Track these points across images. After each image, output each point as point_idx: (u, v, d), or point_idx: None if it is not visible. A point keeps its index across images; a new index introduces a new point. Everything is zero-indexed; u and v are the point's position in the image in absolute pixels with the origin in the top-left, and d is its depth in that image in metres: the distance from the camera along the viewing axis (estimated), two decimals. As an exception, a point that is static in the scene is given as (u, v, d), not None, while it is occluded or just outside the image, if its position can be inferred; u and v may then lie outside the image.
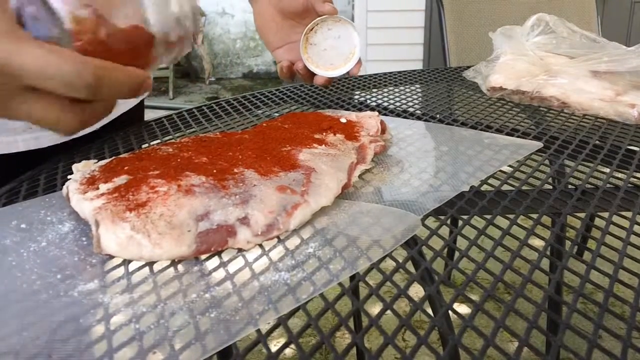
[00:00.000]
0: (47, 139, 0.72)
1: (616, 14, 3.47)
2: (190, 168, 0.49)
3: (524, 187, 0.54)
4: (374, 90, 1.04)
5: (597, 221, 0.48)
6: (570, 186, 0.54)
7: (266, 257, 0.42)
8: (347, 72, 0.85)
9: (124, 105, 0.84)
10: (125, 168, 0.50)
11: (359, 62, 0.85)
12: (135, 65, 0.45)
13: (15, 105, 0.40)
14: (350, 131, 0.62)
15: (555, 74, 0.89)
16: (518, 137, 0.69)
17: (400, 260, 0.41)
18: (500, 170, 0.57)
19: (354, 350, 0.35)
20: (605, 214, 0.48)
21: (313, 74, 0.85)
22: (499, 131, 0.72)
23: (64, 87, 0.39)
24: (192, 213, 0.42)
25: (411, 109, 0.87)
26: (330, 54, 0.84)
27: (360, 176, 0.55)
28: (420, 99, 0.96)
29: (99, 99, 0.42)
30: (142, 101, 0.91)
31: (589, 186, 0.54)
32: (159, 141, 0.76)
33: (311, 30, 0.82)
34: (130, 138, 0.76)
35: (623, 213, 0.49)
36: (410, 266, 0.42)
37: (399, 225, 0.45)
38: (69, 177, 0.51)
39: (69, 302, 0.36)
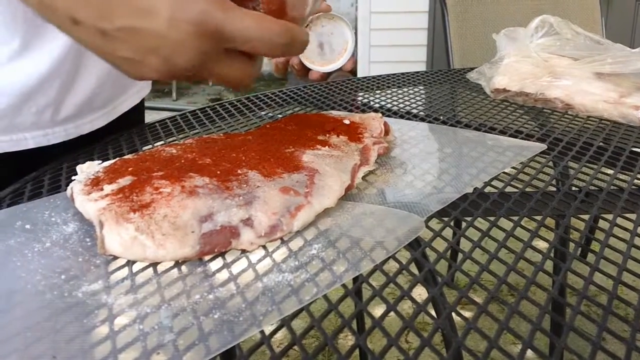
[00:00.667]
0: (55, 135, 0.73)
1: (620, 15, 3.46)
2: (194, 169, 0.49)
3: (527, 189, 0.54)
4: (378, 91, 1.04)
5: (601, 223, 0.48)
6: (574, 188, 0.54)
7: (270, 258, 0.42)
8: (341, 67, 0.86)
9: (125, 104, 0.84)
10: (130, 169, 0.50)
11: (353, 57, 0.86)
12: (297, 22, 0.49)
13: (213, 66, 0.44)
14: (353, 133, 0.62)
15: (559, 75, 0.89)
16: (522, 138, 0.69)
17: (404, 262, 0.41)
18: (504, 172, 0.57)
19: (357, 352, 0.35)
20: (609, 216, 0.48)
21: (307, 70, 0.87)
22: (502, 133, 0.72)
23: (266, 47, 0.44)
24: (195, 214, 0.42)
25: (415, 111, 0.87)
26: (324, 50, 0.86)
27: (363, 178, 0.55)
28: (423, 100, 0.96)
29: (287, 56, 0.49)
30: (142, 101, 0.92)
31: (593, 188, 0.54)
32: (162, 142, 0.76)
33: (306, 27, 0.82)
34: (134, 139, 0.76)
35: (627, 215, 0.49)
36: (413, 268, 0.42)
37: (403, 227, 0.45)
38: (73, 178, 0.52)
39: (73, 302, 0.37)
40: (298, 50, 0.47)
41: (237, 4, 0.44)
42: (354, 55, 0.86)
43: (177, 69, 0.43)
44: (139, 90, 0.88)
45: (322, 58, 0.86)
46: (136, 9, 0.41)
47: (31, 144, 0.70)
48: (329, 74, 0.88)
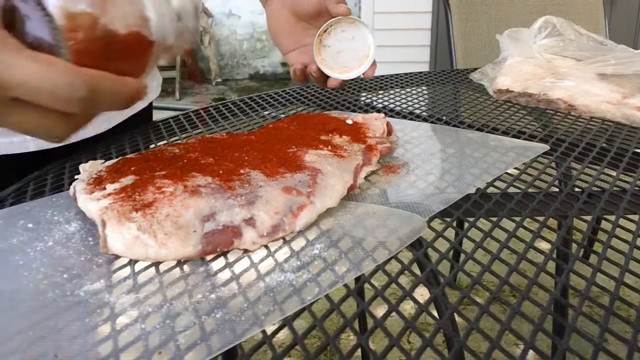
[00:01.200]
0: None
1: (624, 16, 3.46)
2: (196, 169, 0.49)
3: (530, 190, 0.54)
4: (380, 92, 1.04)
5: (604, 224, 0.48)
6: (576, 189, 0.54)
7: (272, 258, 0.42)
8: (362, 75, 0.83)
9: (131, 109, 0.84)
10: (132, 168, 0.50)
11: (374, 64, 0.82)
12: (132, 71, 0.42)
13: (3, 115, 0.38)
14: (356, 133, 0.62)
15: (562, 76, 0.89)
16: (524, 139, 0.69)
17: (406, 262, 0.41)
18: (507, 173, 0.57)
19: (359, 352, 0.35)
20: (612, 217, 0.48)
21: (326, 77, 0.83)
22: (505, 133, 0.72)
23: (57, 102, 0.37)
24: (198, 214, 0.42)
25: (417, 111, 0.87)
26: (344, 56, 0.82)
27: (366, 178, 0.55)
28: (426, 100, 0.96)
29: (92, 111, 0.40)
30: (151, 102, 0.92)
31: (596, 189, 0.54)
32: (165, 142, 0.76)
33: (325, 32, 0.80)
34: (137, 139, 0.76)
35: (629, 216, 0.49)
36: (415, 268, 0.42)
37: (405, 227, 0.45)
38: (76, 177, 0.52)
39: (75, 301, 0.37)
40: (111, 105, 0.40)
41: (38, 48, 0.38)
42: (375, 62, 0.82)
43: None
44: (148, 94, 0.88)
45: (341, 65, 0.83)
46: None
47: (32, 147, 0.70)
48: (349, 80, 0.84)
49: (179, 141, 0.60)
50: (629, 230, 0.46)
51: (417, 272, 0.41)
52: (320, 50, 0.81)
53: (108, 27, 0.39)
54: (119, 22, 0.40)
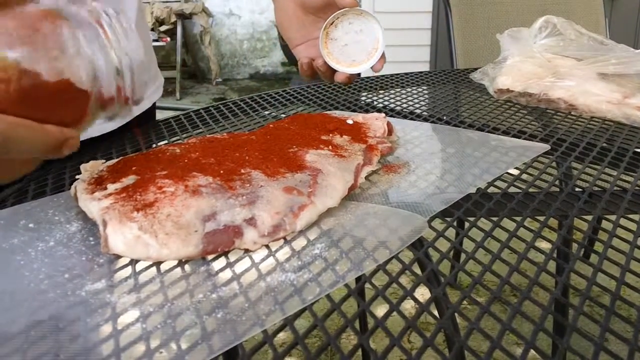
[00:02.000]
0: None
1: (624, 16, 3.46)
2: (197, 169, 0.49)
3: (530, 190, 0.54)
4: (381, 91, 1.04)
5: (604, 224, 0.48)
6: (577, 189, 0.54)
7: (273, 257, 0.42)
8: (370, 68, 0.80)
9: (136, 108, 0.84)
10: (133, 168, 0.50)
11: (383, 57, 0.80)
12: (66, 120, 0.41)
13: None
14: (357, 133, 0.62)
15: (563, 76, 0.89)
16: (525, 139, 0.69)
17: (407, 262, 0.42)
18: (507, 173, 0.57)
19: (359, 352, 0.35)
20: (613, 217, 0.48)
21: (334, 71, 0.81)
22: (505, 133, 0.72)
23: None
24: (199, 213, 0.43)
25: (418, 111, 0.87)
26: (352, 49, 0.80)
27: (366, 178, 0.55)
28: (427, 100, 0.96)
29: (7, 157, 0.39)
30: (154, 103, 0.91)
31: (596, 189, 0.54)
32: (166, 142, 0.76)
33: (331, 24, 0.78)
34: (138, 138, 0.76)
35: (630, 216, 0.49)
36: (416, 268, 0.42)
37: (406, 227, 0.45)
38: (76, 177, 0.52)
39: (77, 301, 0.37)
40: (29, 152, 0.39)
41: None
42: (384, 55, 0.80)
43: None
44: (151, 96, 0.88)
45: (349, 58, 0.80)
46: None
47: None
48: (357, 75, 0.82)
49: (179, 141, 0.60)
50: (629, 230, 0.46)
51: (418, 271, 0.41)
52: (328, 43, 0.79)
53: (32, 73, 0.38)
54: (47, 70, 0.38)
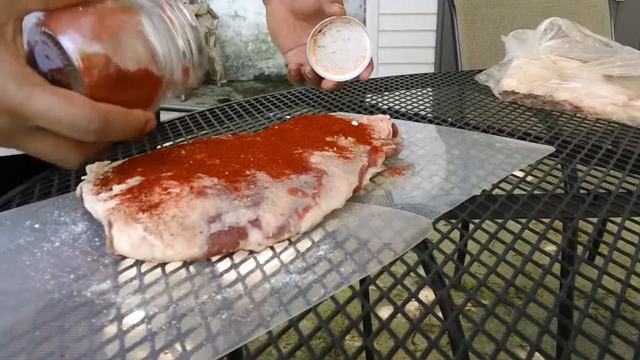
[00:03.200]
0: None
1: (630, 18, 3.45)
2: (202, 170, 0.49)
3: (535, 192, 0.53)
4: (386, 93, 1.04)
5: (609, 226, 0.48)
6: (582, 191, 0.54)
7: (277, 259, 0.42)
8: (357, 76, 0.80)
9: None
10: (138, 169, 0.50)
11: (370, 65, 0.80)
12: (141, 104, 0.46)
13: (24, 142, 0.42)
14: (361, 134, 0.62)
15: (568, 78, 0.89)
16: (530, 141, 0.69)
17: (411, 264, 0.42)
18: (512, 175, 0.57)
19: (364, 353, 0.35)
20: (618, 219, 0.48)
21: (321, 78, 0.81)
22: (510, 135, 0.72)
23: (74, 132, 0.41)
24: (204, 215, 0.43)
25: (423, 112, 0.87)
26: (339, 57, 0.80)
27: (371, 179, 0.55)
28: (431, 102, 0.96)
29: (104, 140, 0.44)
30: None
31: (601, 191, 0.54)
32: (171, 143, 0.76)
33: (319, 32, 0.78)
34: (143, 140, 0.76)
35: (635, 218, 0.48)
36: (421, 270, 0.42)
37: (410, 229, 0.45)
38: (82, 178, 0.52)
39: (82, 302, 0.37)
40: (121, 135, 0.44)
41: (57, 83, 0.42)
42: (372, 63, 0.80)
43: None
44: None
45: (337, 66, 0.80)
46: None
47: None
48: (344, 82, 0.82)
49: (184, 142, 0.61)
50: (635, 233, 0.46)
51: (423, 273, 0.41)
52: (316, 50, 0.79)
53: (119, 65, 0.43)
54: (129, 61, 0.44)
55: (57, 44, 0.42)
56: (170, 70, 0.47)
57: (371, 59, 0.79)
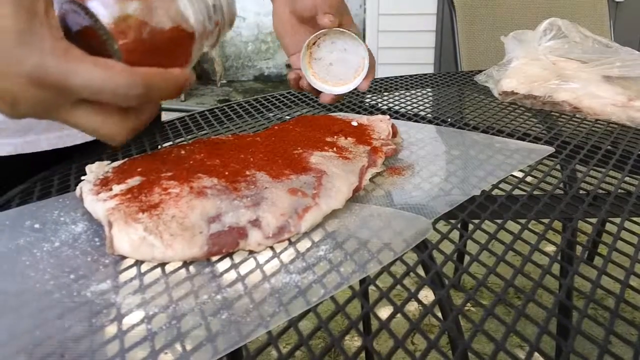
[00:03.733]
0: (70, 138, 0.73)
1: (629, 18, 3.45)
2: (202, 170, 0.49)
3: (535, 192, 0.53)
4: (385, 93, 1.04)
5: (609, 226, 0.48)
6: (581, 191, 0.54)
7: (277, 259, 0.42)
8: (356, 87, 0.78)
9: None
10: (138, 169, 0.50)
11: (370, 74, 0.78)
12: (178, 62, 0.47)
13: (69, 115, 0.43)
14: (361, 134, 0.62)
15: (568, 78, 0.89)
16: (529, 141, 0.69)
17: (411, 264, 0.42)
18: (512, 175, 0.57)
19: (363, 353, 0.35)
20: (617, 220, 0.48)
21: (320, 91, 0.79)
22: (510, 135, 0.72)
23: (118, 99, 0.42)
24: (204, 215, 0.43)
25: (422, 113, 0.87)
26: (337, 69, 0.78)
27: (371, 179, 0.55)
28: (431, 102, 0.96)
29: (147, 103, 0.45)
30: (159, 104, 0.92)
31: (601, 191, 0.54)
32: (171, 143, 0.76)
33: (314, 44, 0.77)
34: (143, 140, 0.76)
35: (634, 219, 0.49)
36: (420, 270, 0.42)
37: (410, 229, 0.45)
38: (82, 178, 0.52)
39: (82, 302, 0.37)
40: (163, 96, 0.45)
41: (93, 50, 0.42)
42: (373, 71, 0.78)
43: (25, 115, 0.42)
44: None
45: (335, 77, 0.78)
46: None
47: (45, 146, 0.70)
48: (343, 95, 0.80)
49: (184, 142, 0.61)
50: (634, 233, 0.46)
51: (422, 273, 0.41)
52: (312, 64, 0.77)
53: (152, 26, 0.44)
54: (162, 20, 0.44)
55: (88, 12, 0.42)
56: (202, 25, 0.48)
57: (371, 69, 0.77)
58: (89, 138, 0.75)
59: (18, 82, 0.39)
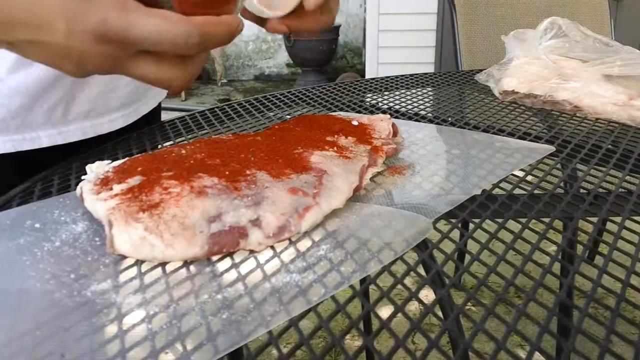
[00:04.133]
0: (70, 133, 0.73)
1: (630, 17, 3.45)
2: (202, 169, 0.49)
3: (535, 191, 0.53)
4: (386, 93, 1.04)
5: (609, 226, 0.48)
6: (582, 190, 0.54)
7: (278, 258, 0.42)
8: (302, 6, 0.61)
9: (145, 107, 0.85)
10: (139, 169, 0.50)
11: None
12: (225, 10, 0.47)
13: (132, 67, 0.44)
14: (361, 134, 0.62)
15: (568, 77, 0.89)
16: (530, 140, 0.69)
17: (412, 263, 0.42)
18: (512, 174, 0.57)
19: (364, 353, 0.35)
20: (618, 219, 0.48)
21: (264, 19, 0.66)
22: (510, 135, 0.72)
23: (177, 48, 0.42)
24: (204, 214, 0.43)
25: (423, 112, 0.87)
26: None
27: (371, 179, 0.55)
28: (431, 102, 0.96)
29: (204, 52, 0.46)
30: (159, 103, 0.92)
31: (601, 190, 0.54)
32: (171, 143, 0.76)
33: None
34: (144, 139, 0.76)
35: (635, 217, 0.48)
36: (421, 269, 0.42)
37: (410, 228, 0.45)
38: (82, 177, 0.52)
39: (82, 301, 0.37)
40: (218, 43, 0.46)
41: (146, 2, 0.43)
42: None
43: (91, 72, 0.43)
44: (157, 94, 0.89)
45: (281, 5, 0.64)
46: (34, 25, 0.40)
47: (45, 143, 0.70)
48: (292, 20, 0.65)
49: (185, 142, 0.61)
50: (635, 232, 0.46)
51: (423, 273, 0.41)
52: None
53: None
54: None
55: None
56: None
57: None
58: (88, 134, 0.75)
59: (84, 38, 0.40)
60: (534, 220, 0.48)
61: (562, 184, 0.56)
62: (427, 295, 1.52)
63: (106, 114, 0.77)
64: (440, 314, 0.38)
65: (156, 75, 0.45)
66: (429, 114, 0.85)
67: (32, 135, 0.69)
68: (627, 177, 0.57)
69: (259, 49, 5.78)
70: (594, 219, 0.49)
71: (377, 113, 0.82)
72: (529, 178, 0.57)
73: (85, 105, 0.73)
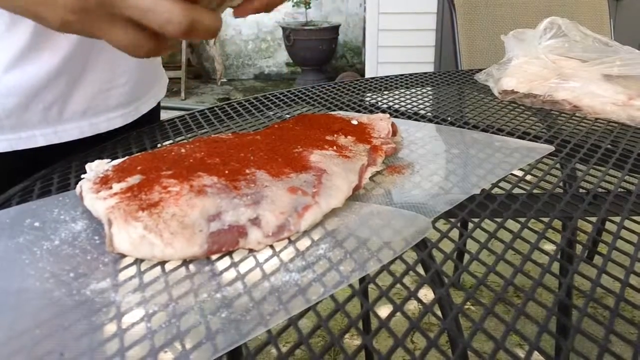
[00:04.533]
0: (67, 132, 0.73)
1: (629, 17, 3.45)
2: (202, 168, 0.49)
3: (535, 191, 0.53)
4: (385, 92, 1.04)
5: (608, 225, 0.48)
6: (581, 190, 0.54)
7: (277, 257, 0.42)
8: None
9: (144, 106, 0.84)
10: (138, 168, 0.50)
11: None
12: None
13: (106, 30, 0.43)
14: (361, 133, 0.62)
15: (568, 77, 0.89)
16: (529, 140, 0.69)
17: (411, 263, 0.42)
18: (512, 174, 0.57)
19: (363, 352, 0.35)
20: (617, 218, 0.48)
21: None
22: (510, 134, 0.72)
23: (163, 24, 0.42)
24: (204, 213, 0.43)
25: (422, 112, 0.87)
26: None
27: (371, 178, 0.55)
28: (431, 101, 0.96)
29: (185, 38, 0.45)
30: (159, 102, 0.92)
31: (601, 190, 0.54)
32: (171, 142, 0.76)
33: None
34: (143, 138, 0.76)
35: (634, 217, 0.49)
36: (420, 268, 0.42)
37: (410, 228, 0.45)
38: (82, 176, 0.52)
39: (82, 300, 0.37)
40: (202, 35, 0.45)
41: None
42: None
43: (67, 24, 0.43)
44: (156, 94, 0.88)
45: None
46: None
47: (41, 142, 0.70)
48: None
49: (184, 141, 0.61)
50: (634, 232, 0.46)
51: (422, 272, 0.41)
52: None
53: None
54: None
55: None
56: None
57: None
58: (86, 134, 0.75)
59: None
60: (533, 220, 0.48)
61: (561, 184, 0.56)
62: (426, 294, 1.52)
63: (104, 113, 0.76)
64: (439, 313, 0.38)
65: (128, 44, 0.44)
66: (429, 114, 0.85)
67: (28, 134, 0.69)
68: (626, 177, 0.57)
69: (258, 48, 5.78)
70: (593, 219, 0.49)
71: (377, 112, 0.82)
72: (528, 177, 0.57)
73: (81, 104, 0.73)
